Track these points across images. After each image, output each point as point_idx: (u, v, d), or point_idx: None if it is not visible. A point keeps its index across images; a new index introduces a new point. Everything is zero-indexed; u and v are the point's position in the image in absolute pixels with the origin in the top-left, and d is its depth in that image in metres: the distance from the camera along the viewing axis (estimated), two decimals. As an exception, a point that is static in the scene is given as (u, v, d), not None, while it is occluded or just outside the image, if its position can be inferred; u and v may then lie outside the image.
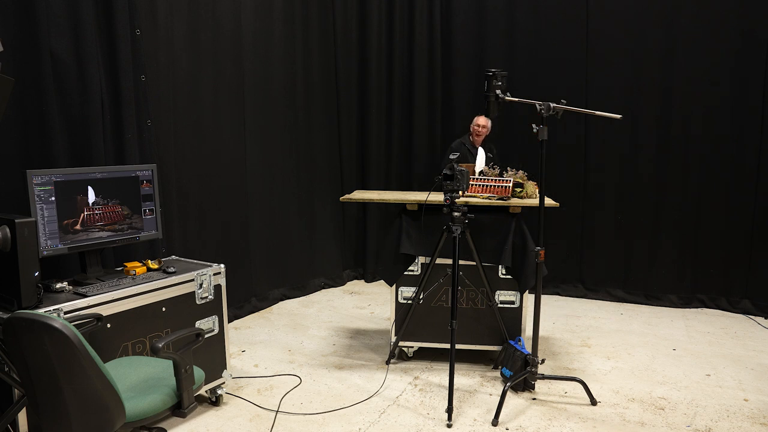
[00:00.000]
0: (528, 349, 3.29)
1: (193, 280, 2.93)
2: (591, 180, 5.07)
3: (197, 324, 2.97)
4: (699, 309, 4.82)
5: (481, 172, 3.69)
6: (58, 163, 2.94)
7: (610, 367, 3.64)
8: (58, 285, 2.59)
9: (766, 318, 4.59)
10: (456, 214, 3.14)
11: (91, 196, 2.78)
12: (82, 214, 2.75)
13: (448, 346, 3.11)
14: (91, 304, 2.48)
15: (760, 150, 4.54)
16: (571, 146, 5.07)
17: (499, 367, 3.43)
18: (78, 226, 2.73)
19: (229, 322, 3.81)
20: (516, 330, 3.55)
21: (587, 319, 4.59)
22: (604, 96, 4.92)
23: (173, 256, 3.41)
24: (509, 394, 3.18)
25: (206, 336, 3.01)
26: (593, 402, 3.13)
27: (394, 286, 3.60)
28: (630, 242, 4.98)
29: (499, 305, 3.54)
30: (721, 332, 4.27)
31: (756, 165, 4.56)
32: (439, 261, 3.43)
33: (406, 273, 3.59)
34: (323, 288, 5.38)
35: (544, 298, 5.11)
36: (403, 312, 3.59)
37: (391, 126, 5.56)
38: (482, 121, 4.95)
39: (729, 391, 3.29)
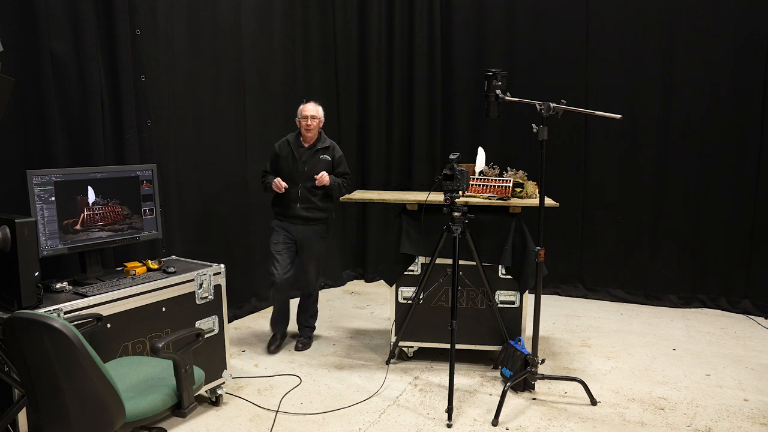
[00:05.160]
0: (528, 349, 3.29)
1: (193, 280, 2.93)
2: (591, 180, 5.07)
3: (197, 324, 2.97)
4: (699, 309, 4.82)
5: (481, 172, 3.69)
6: (58, 163, 2.94)
7: (610, 367, 3.64)
8: (58, 285, 2.59)
9: (766, 318, 4.59)
10: (456, 214, 3.15)
11: (91, 196, 2.78)
12: (82, 214, 2.75)
13: (448, 346, 3.11)
14: (91, 304, 2.48)
15: (760, 150, 4.54)
16: (571, 146, 5.07)
17: (499, 367, 3.43)
18: (78, 226, 2.73)
19: (229, 322, 3.81)
20: (516, 330, 3.55)
21: (587, 319, 4.59)
22: (604, 96, 4.92)
23: (173, 256, 3.41)
24: (509, 394, 3.18)
25: (206, 336, 3.01)
26: (593, 402, 3.13)
27: (394, 286, 3.60)
28: (630, 242, 4.98)
29: (499, 305, 3.53)
30: (721, 332, 4.27)
31: (756, 165, 4.56)
32: (439, 261, 3.43)
33: (406, 273, 3.59)
34: (323, 288, 5.38)
35: (544, 298, 5.11)
36: (403, 312, 3.59)
37: (391, 126, 5.56)
38: (311, 110, 3.65)
39: (729, 391, 3.29)
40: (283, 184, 3.62)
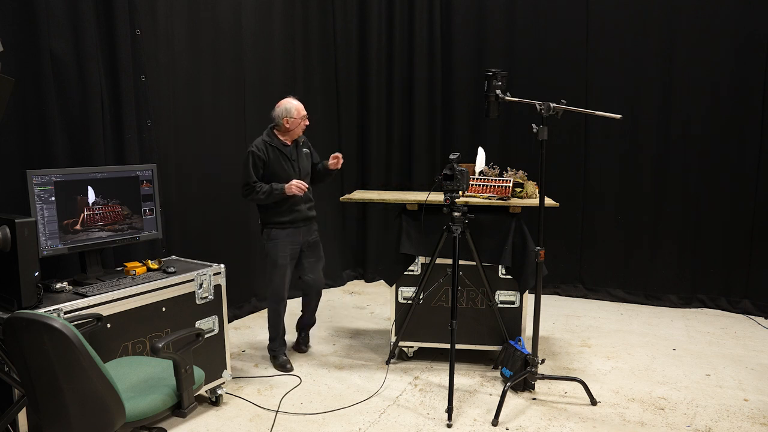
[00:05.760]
0: (528, 349, 3.29)
1: (193, 280, 2.94)
2: (591, 180, 5.07)
3: (197, 324, 2.97)
4: (699, 309, 4.82)
5: (481, 172, 3.69)
6: (58, 163, 2.94)
7: (610, 367, 3.64)
8: (58, 285, 2.59)
9: (766, 318, 4.59)
10: (456, 214, 3.15)
11: (91, 196, 2.78)
12: (82, 214, 2.75)
13: (448, 346, 3.11)
14: (91, 304, 2.48)
15: (760, 150, 4.53)
16: (571, 146, 5.06)
17: (499, 367, 3.43)
18: (78, 226, 2.73)
19: (229, 322, 3.80)
20: (516, 330, 3.55)
21: (587, 319, 4.59)
22: (604, 96, 4.91)
23: (173, 256, 3.41)
24: (509, 394, 3.18)
25: (206, 336, 3.01)
26: (593, 402, 3.13)
27: (394, 286, 3.60)
28: (630, 242, 4.98)
29: (499, 305, 3.53)
30: (721, 332, 4.27)
31: (756, 165, 4.56)
32: (439, 261, 3.43)
33: (406, 273, 3.59)
34: (323, 288, 5.36)
35: (544, 298, 5.10)
36: (403, 312, 3.59)
37: (391, 126, 5.56)
38: (302, 107, 3.49)
39: (729, 391, 3.29)
40: (304, 183, 3.39)
